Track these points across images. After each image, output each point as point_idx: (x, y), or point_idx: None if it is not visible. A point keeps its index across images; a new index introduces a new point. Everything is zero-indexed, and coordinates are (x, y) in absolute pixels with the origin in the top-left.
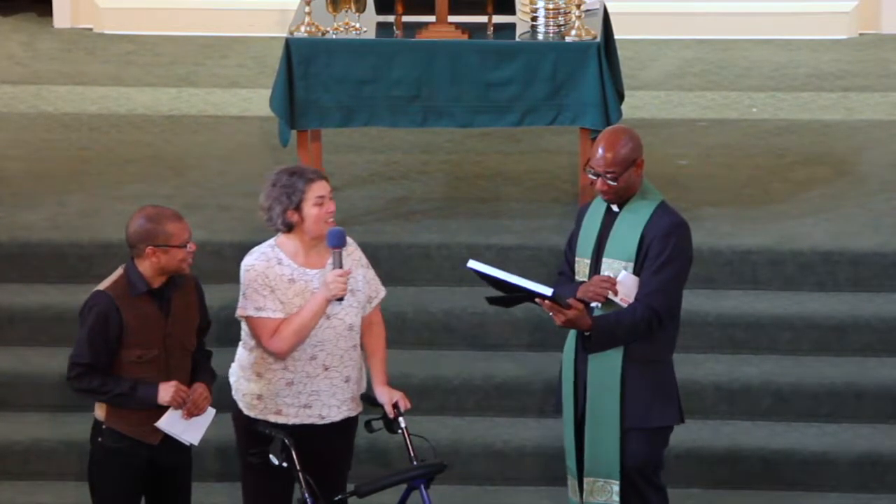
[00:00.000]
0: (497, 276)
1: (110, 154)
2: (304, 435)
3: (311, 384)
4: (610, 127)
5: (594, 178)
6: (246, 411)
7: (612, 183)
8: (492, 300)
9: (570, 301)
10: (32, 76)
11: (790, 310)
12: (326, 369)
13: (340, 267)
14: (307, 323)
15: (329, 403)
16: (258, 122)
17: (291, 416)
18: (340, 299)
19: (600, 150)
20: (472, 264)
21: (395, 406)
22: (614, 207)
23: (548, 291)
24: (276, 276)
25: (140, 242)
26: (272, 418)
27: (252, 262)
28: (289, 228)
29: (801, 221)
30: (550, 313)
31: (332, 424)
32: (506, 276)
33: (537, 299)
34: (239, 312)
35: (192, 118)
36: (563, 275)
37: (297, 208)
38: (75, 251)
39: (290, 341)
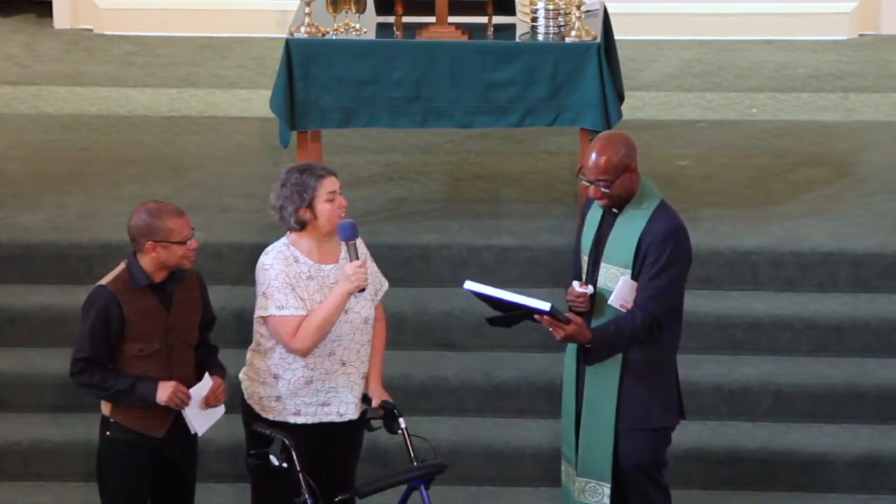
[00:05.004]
0: (494, 295)
1: (110, 155)
2: (322, 434)
3: (329, 381)
4: (603, 133)
5: (587, 184)
6: (263, 415)
7: (605, 190)
8: (492, 321)
9: (569, 315)
10: (32, 77)
11: (790, 310)
12: (344, 364)
13: (357, 258)
14: (330, 317)
15: (347, 400)
16: (258, 122)
17: (310, 416)
18: (362, 290)
19: (592, 158)
20: (469, 285)
21: (382, 406)
22: (613, 208)
23: (546, 306)
24: (295, 273)
25: (140, 237)
26: (291, 419)
27: (271, 262)
28: (302, 226)
29: (800, 222)
30: (550, 328)
31: (350, 422)
32: (503, 294)
33: (536, 315)
34: (259, 314)
35: (192, 119)
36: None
37: (310, 206)
38: (75, 252)
39: (315, 337)
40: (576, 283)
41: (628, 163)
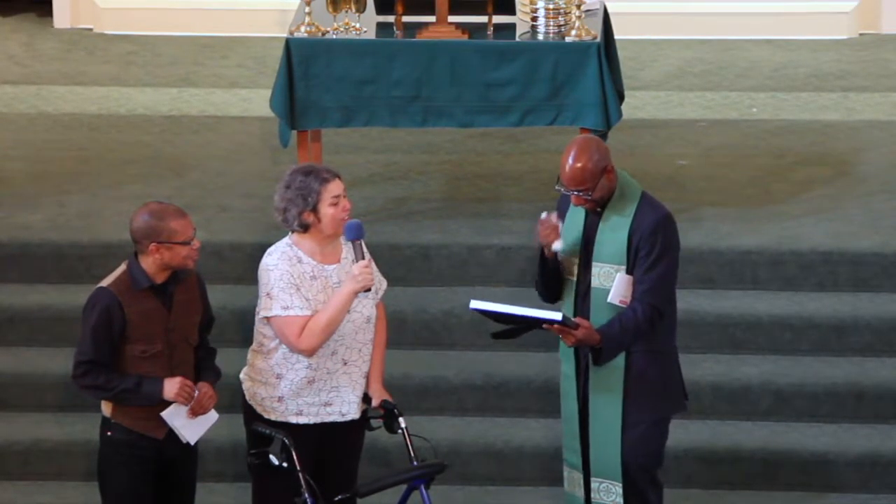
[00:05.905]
0: (502, 311)
1: (110, 154)
2: (324, 433)
3: (331, 380)
4: (573, 141)
5: (568, 194)
6: (265, 416)
7: (587, 198)
8: (497, 335)
9: (577, 320)
10: (32, 76)
11: (790, 310)
12: (346, 364)
13: (362, 258)
14: (337, 316)
15: (349, 400)
16: (258, 122)
17: (312, 416)
18: (368, 290)
19: (567, 168)
20: (475, 304)
21: (382, 406)
22: (597, 208)
23: (557, 316)
24: (299, 273)
25: (144, 239)
26: (293, 420)
27: (275, 262)
28: (305, 229)
29: (801, 222)
30: (560, 336)
31: (352, 421)
32: (511, 309)
33: (545, 325)
34: (263, 314)
35: (193, 118)
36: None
37: (314, 209)
38: (75, 251)
39: (320, 337)
40: (544, 214)
41: (604, 165)
